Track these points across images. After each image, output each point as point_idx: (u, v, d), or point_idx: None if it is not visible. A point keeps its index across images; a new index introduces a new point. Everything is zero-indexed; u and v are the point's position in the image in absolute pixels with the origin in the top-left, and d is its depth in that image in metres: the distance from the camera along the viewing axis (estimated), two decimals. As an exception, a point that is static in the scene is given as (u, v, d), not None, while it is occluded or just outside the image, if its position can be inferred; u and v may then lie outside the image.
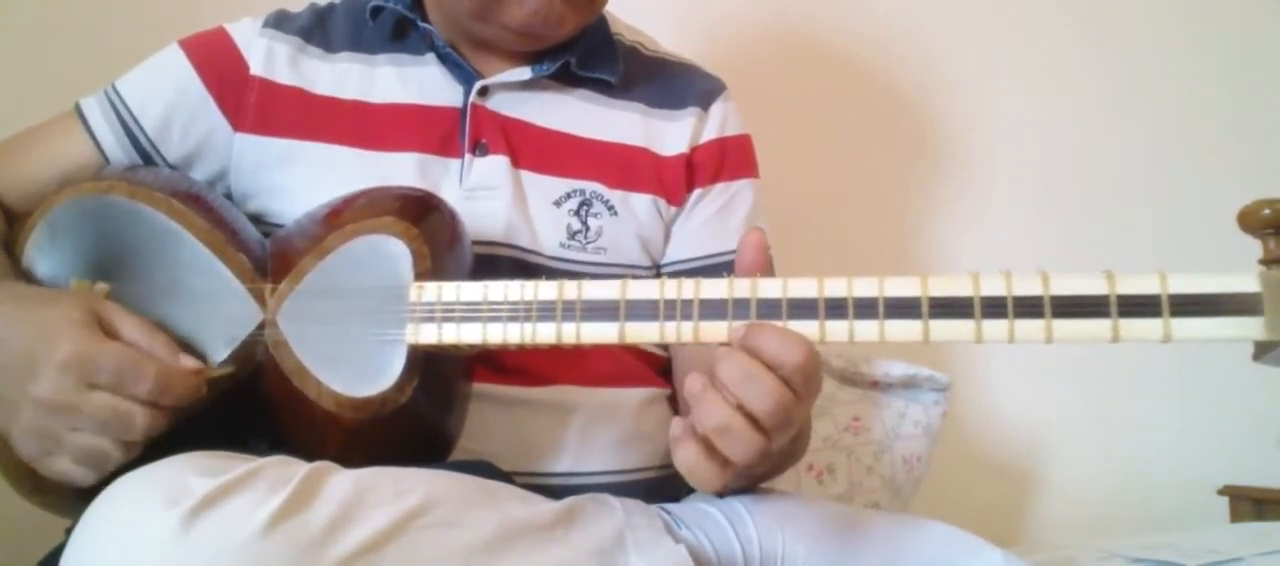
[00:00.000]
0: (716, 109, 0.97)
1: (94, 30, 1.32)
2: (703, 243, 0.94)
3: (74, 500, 0.64)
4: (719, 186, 0.95)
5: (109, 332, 0.66)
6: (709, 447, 0.60)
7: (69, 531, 0.56)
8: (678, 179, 0.93)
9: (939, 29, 1.66)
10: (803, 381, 0.60)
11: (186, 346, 0.70)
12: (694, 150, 0.95)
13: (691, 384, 0.61)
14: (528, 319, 0.66)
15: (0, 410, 0.66)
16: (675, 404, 0.97)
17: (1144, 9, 1.72)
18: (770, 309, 0.62)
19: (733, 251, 0.94)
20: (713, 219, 0.95)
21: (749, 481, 0.83)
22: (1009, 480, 1.59)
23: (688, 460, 0.60)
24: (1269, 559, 0.99)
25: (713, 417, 0.59)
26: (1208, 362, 1.59)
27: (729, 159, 0.96)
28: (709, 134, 0.96)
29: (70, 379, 0.63)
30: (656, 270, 0.94)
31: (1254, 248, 0.59)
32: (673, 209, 0.93)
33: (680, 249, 0.94)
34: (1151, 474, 1.63)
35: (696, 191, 0.94)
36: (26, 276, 0.75)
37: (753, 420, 0.59)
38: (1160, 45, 1.72)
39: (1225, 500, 1.61)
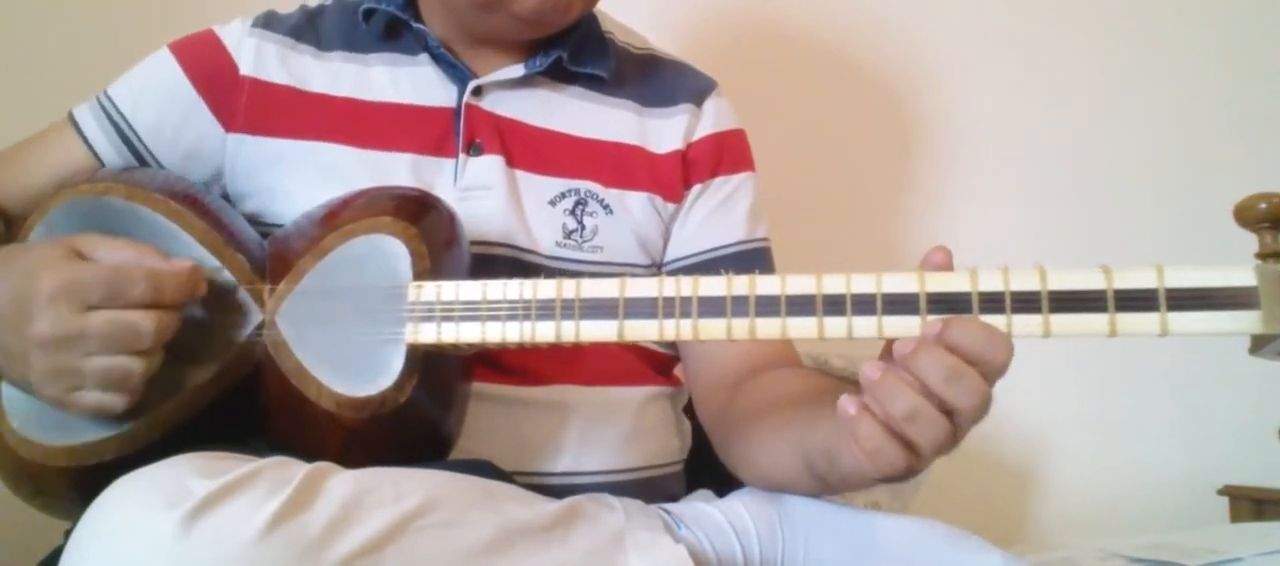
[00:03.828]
0: (710, 105, 0.97)
1: (94, 30, 1.32)
2: (705, 236, 0.94)
3: (72, 502, 0.64)
4: (718, 180, 0.95)
5: (89, 259, 0.67)
6: (892, 432, 0.59)
7: (68, 533, 0.55)
8: (674, 175, 0.93)
9: (937, 23, 1.67)
10: (1000, 375, 0.59)
11: (185, 349, 0.70)
12: (689, 146, 0.95)
13: (869, 371, 0.60)
14: (527, 317, 0.67)
15: (14, 365, 0.66)
16: (676, 402, 0.97)
17: (1140, 1, 1.72)
18: (769, 305, 0.62)
19: (735, 243, 0.95)
20: (715, 212, 0.95)
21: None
22: (1009, 480, 1.59)
23: (872, 441, 0.60)
24: (1269, 559, 0.99)
25: (900, 403, 0.58)
26: (1208, 362, 1.59)
27: (726, 153, 0.97)
28: (704, 130, 0.96)
29: (64, 307, 0.63)
30: (655, 268, 0.94)
31: (1250, 241, 0.59)
32: (670, 206, 0.93)
33: (682, 245, 0.94)
34: (1151, 474, 1.63)
35: (696, 187, 0.95)
36: None
37: (945, 409, 0.58)
38: (1156, 39, 1.71)
39: (1225, 500, 1.61)
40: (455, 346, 0.69)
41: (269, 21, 0.91)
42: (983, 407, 0.59)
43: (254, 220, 0.85)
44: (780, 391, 0.82)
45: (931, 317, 0.60)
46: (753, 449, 0.81)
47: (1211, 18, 1.72)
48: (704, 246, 0.94)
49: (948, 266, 0.62)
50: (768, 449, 0.78)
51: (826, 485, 0.74)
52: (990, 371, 0.58)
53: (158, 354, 0.66)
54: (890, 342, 0.62)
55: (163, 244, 0.73)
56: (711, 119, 0.97)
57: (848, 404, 0.61)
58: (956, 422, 0.59)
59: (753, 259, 0.95)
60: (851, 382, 0.66)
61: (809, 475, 0.73)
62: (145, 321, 0.64)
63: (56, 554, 0.61)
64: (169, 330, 0.66)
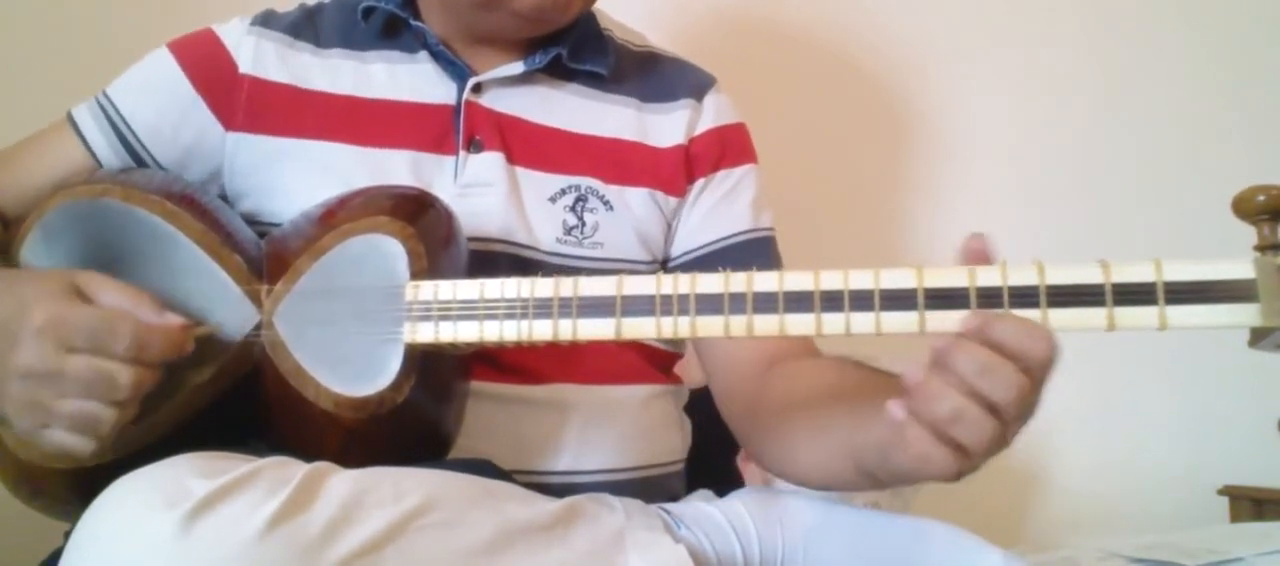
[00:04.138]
0: (710, 100, 0.98)
1: (93, 30, 1.32)
2: (711, 229, 0.94)
3: (72, 502, 0.64)
4: (721, 174, 0.96)
5: (87, 300, 0.66)
6: (939, 435, 0.59)
7: (68, 534, 0.55)
8: (676, 170, 0.94)
9: (935, 22, 1.67)
10: (1043, 371, 0.58)
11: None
12: (691, 141, 0.95)
13: (911, 375, 0.59)
14: (525, 316, 0.66)
15: None
16: (677, 401, 0.97)
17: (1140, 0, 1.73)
18: (766, 302, 0.62)
19: (741, 232, 0.94)
20: (719, 205, 0.95)
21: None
22: (1009, 480, 1.59)
23: (920, 445, 0.59)
24: (1269, 559, 0.99)
25: (944, 406, 0.58)
26: (1208, 362, 1.59)
27: (729, 147, 0.97)
28: (705, 124, 0.96)
29: (48, 344, 0.62)
30: (657, 264, 0.94)
31: (1248, 234, 0.59)
32: (672, 201, 0.93)
33: (688, 239, 0.94)
34: (1151, 474, 1.63)
35: (699, 182, 0.95)
36: None
37: (989, 407, 0.58)
38: (1154, 32, 1.72)
39: (1225, 500, 1.61)
40: (453, 345, 0.69)
41: (268, 20, 0.91)
42: (1023, 403, 0.58)
43: (252, 219, 0.85)
44: (815, 386, 0.80)
45: (968, 313, 0.59)
46: (796, 448, 0.79)
47: (1211, 16, 1.72)
48: (709, 239, 0.94)
49: (985, 254, 0.61)
50: (813, 448, 0.77)
51: (877, 481, 0.72)
52: (1032, 366, 0.57)
53: (132, 406, 0.65)
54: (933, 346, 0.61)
55: (160, 246, 0.74)
56: (713, 113, 0.97)
57: (896, 409, 0.60)
58: (1003, 420, 0.58)
59: (758, 248, 0.95)
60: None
61: (859, 473, 0.71)
62: (124, 374, 0.63)
63: (56, 554, 0.61)
64: (146, 385, 0.65)
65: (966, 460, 0.59)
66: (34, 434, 0.65)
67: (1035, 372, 0.58)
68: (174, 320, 0.67)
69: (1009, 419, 0.58)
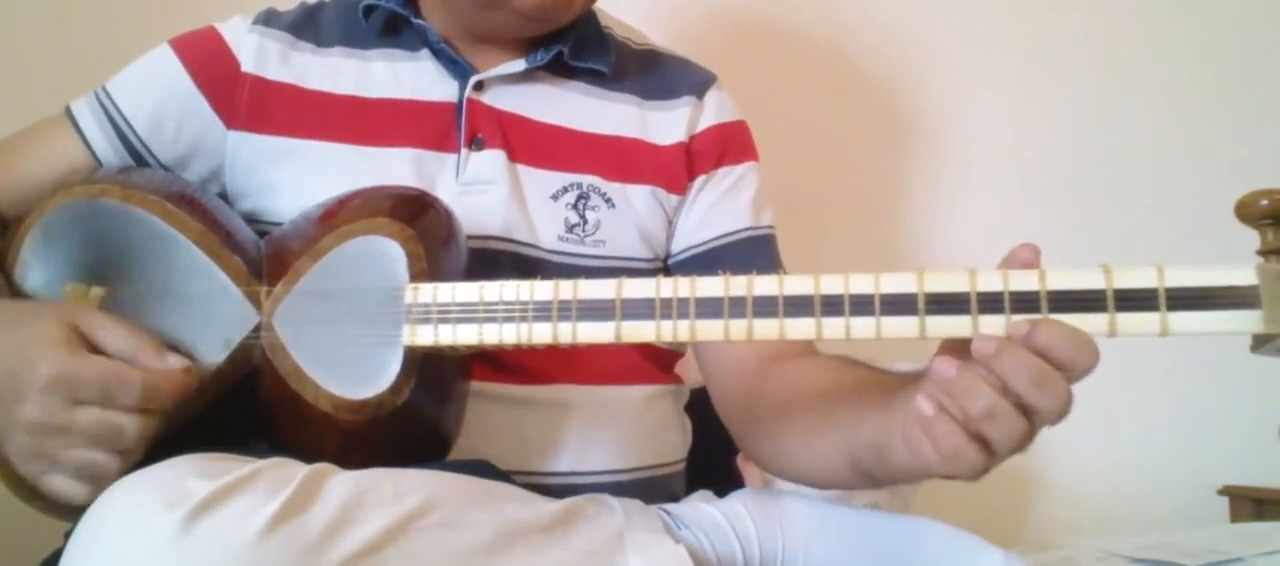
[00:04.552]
0: (711, 97, 0.98)
1: (94, 27, 1.32)
2: (710, 226, 0.94)
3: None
4: (722, 171, 0.96)
5: (90, 344, 0.66)
6: (969, 432, 0.58)
7: (68, 535, 0.56)
8: (677, 167, 0.94)
9: (935, 22, 1.67)
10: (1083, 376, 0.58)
11: (182, 351, 0.70)
12: (692, 138, 0.95)
13: (944, 369, 0.58)
14: (524, 319, 0.66)
15: None
16: (677, 401, 0.97)
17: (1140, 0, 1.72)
18: (766, 306, 0.62)
19: (740, 230, 0.94)
20: (719, 202, 0.95)
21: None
22: (1009, 480, 1.58)
23: (950, 441, 0.58)
24: (1269, 559, 0.99)
25: (980, 402, 0.57)
26: (1208, 363, 1.59)
27: (730, 144, 0.97)
28: (707, 121, 0.96)
29: (55, 399, 0.62)
30: (658, 262, 0.94)
31: (1252, 239, 0.59)
32: (674, 198, 0.93)
33: (687, 236, 0.94)
34: (1151, 474, 1.63)
35: (699, 179, 0.95)
36: (19, 283, 0.74)
37: (1023, 409, 0.57)
38: (1156, 36, 1.71)
39: (1225, 500, 1.61)
40: (453, 348, 0.69)
41: (270, 19, 0.91)
42: (1066, 411, 0.57)
43: (253, 218, 0.85)
44: (812, 384, 0.80)
45: (1016, 317, 0.58)
46: (792, 445, 0.79)
47: (1211, 16, 1.72)
48: (708, 236, 0.94)
49: (1033, 264, 0.60)
50: (809, 446, 0.77)
51: (874, 480, 0.72)
52: (1075, 375, 0.57)
53: (138, 453, 0.65)
54: (949, 342, 0.61)
55: (160, 246, 0.74)
56: (714, 111, 0.97)
57: (925, 404, 0.60)
58: (1034, 422, 0.58)
59: (757, 246, 0.95)
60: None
61: (855, 472, 0.71)
62: (132, 425, 0.64)
63: (56, 555, 0.61)
64: (152, 432, 0.65)
65: (991, 458, 0.59)
66: (36, 477, 0.65)
67: (1076, 380, 0.57)
68: (176, 363, 0.67)
69: (1041, 422, 0.58)
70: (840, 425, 0.72)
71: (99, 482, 0.63)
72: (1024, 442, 0.59)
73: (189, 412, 0.69)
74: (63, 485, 0.64)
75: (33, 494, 0.70)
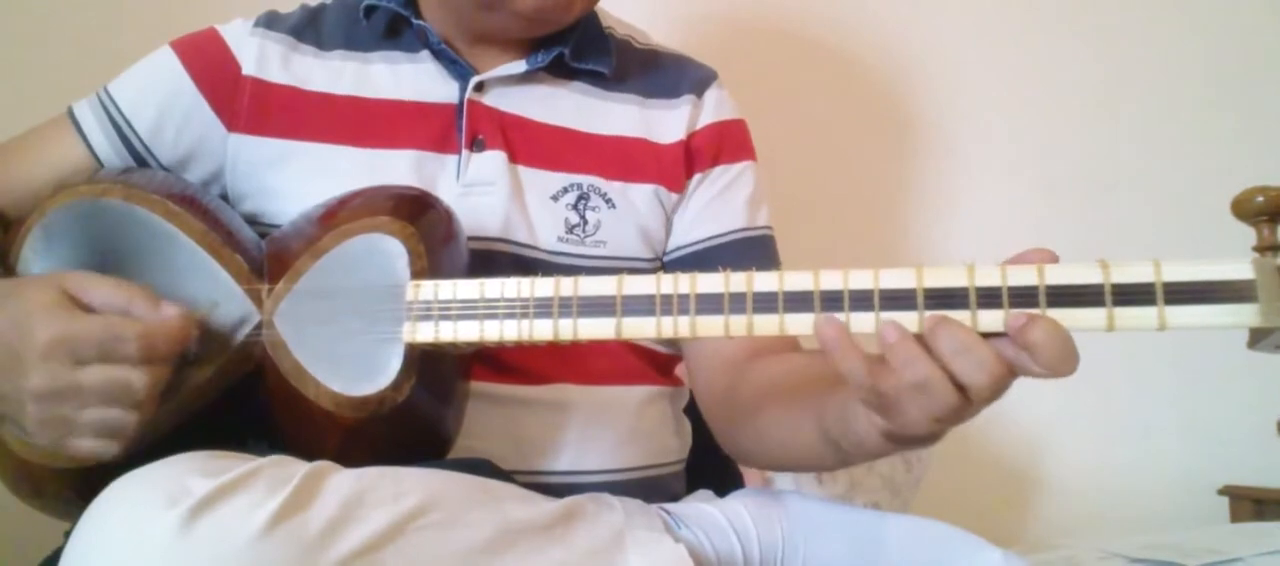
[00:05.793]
0: (711, 95, 0.98)
1: (94, 31, 1.32)
2: (705, 225, 0.94)
3: (72, 502, 0.64)
4: (718, 169, 0.96)
5: (82, 304, 0.66)
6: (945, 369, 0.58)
7: (68, 533, 0.56)
8: (677, 165, 0.94)
9: (935, 21, 1.67)
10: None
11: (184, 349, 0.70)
12: (691, 136, 0.95)
13: (888, 333, 0.59)
14: (525, 315, 0.66)
15: (8, 407, 0.66)
16: (676, 402, 0.97)
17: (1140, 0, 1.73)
18: (766, 302, 0.62)
19: (735, 230, 0.94)
20: (714, 201, 0.95)
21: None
22: (1009, 480, 1.59)
23: (920, 369, 0.58)
24: (1269, 559, 0.99)
25: (950, 342, 0.58)
26: (1207, 362, 1.60)
27: (727, 143, 0.97)
28: (705, 119, 0.96)
29: (57, 363, 0.63)
30: (658, 261, 0.94)
31: (1247, 234, 0.59)
32: (674, 197, 0.93)
33: (682, 234, 0.94)
34: (1151, 474, 1.63)
35: (696, 177, 0.95)
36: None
37: (959, 387, 0.58)
38: (1153, 32, 1.72)
39: (1225, 500, 1.62)
40: (453, 345, 0.69)
41: (271, 21, 0.91)
42: (999, 387, 0.58)
43: (254, 220, 0.85)
44: (790, 369, 0.81)
45: (1015, 311, 0.58)
46: (767, 425, 0.80)
47: (1211, 17, 1.72)
48: (703, 235, 0.94)
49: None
50: (782, 423, 0.77)
51: (844, 455, 0.72)
52: (1047, 375, 0.58)
53: (152, 406, 0.65)
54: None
55: (161, 246, 0.74)
56: (712, 108, 0.97)
57: (889, 331, 0.59)
58: (969, 396, 0.59)
59: (753, 246, 0.95)
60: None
61: (824, 442, 0.72)
62: (139, 378, 0.64)
63: (57, 554, 0.61)
64: (161, 382, 0.65)
65: (966, 404, 0.59)
66: (59, 445, 0.65)
67: (1044, 377, 0.58)
68: (171, 311, 0.67)
69: (978, 402, 0.59)
70: (812, 400, 0.73)
71: (120, 438, 0.65)
72: (1005, 385, 0.59)
73: (190, 411, 0.69)
74: (86, 445, 0.65)
75: (33, 492, 0.70)
